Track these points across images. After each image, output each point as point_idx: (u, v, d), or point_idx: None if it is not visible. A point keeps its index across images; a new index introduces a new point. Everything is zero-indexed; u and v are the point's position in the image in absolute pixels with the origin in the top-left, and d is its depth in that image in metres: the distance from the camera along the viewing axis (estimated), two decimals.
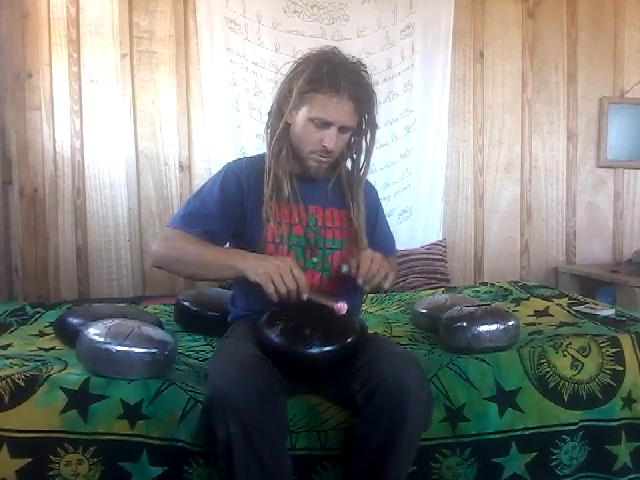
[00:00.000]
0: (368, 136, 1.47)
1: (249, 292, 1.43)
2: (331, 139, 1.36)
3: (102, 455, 1.20)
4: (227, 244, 1.50)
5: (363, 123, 1.45)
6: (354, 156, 1.50)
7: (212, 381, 1.15)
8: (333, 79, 1.32)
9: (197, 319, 1.81)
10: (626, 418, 1.42)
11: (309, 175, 1.44)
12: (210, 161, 2.73)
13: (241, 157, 1.55)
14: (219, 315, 1.68)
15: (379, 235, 1.59)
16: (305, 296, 1.27)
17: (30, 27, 2.59)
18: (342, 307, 1.28)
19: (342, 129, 1.38)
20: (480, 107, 2.98)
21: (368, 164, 1.50)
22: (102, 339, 1.24)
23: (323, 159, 1.41)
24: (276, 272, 1.24)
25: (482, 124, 2.99)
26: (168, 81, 2.71)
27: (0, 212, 2.58)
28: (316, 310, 1.29)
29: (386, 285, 1.35)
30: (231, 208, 1.43)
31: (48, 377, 1.24)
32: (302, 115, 1.37)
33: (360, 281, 1.32)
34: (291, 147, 1.42)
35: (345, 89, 1.32)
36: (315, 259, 1.44)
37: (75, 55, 2.62)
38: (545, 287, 2.32)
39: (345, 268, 1.36)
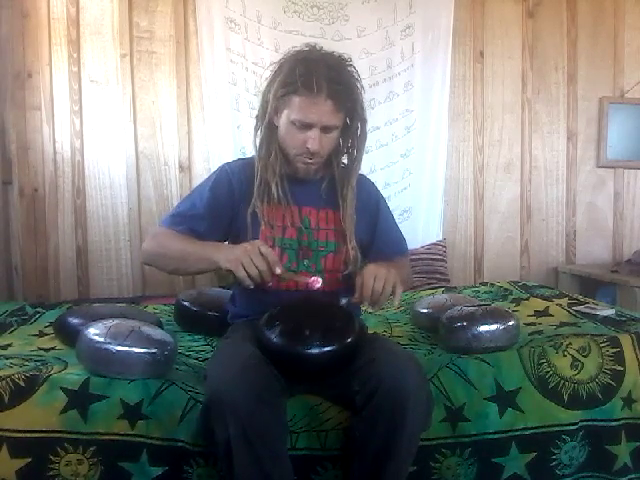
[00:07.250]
0: (358, 132, 1.43)
1: (249, 292, 1.42)
2: (314, 141, 1.34)
3: (102, 455, 1.20)
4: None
5: (350, 119, 1.41)
6: (346, 153, 1.47)
7: (211, 382, 1.15)
8: (307, 80, 1.29)
9: (197, 319, 1.81)
10: (626, 418, 1.42)
11: (300, 177, 1.43)
12: (210, 161, 2.73)
13: (239, 158, 1.53)
14: (219, 315, 1.68)
15: (384, 237, 1.54)
16: (278, 270, 1.24)
17: (30, 27, 2.59)
18: (315, 281, 1.27)
19: (325, 129, 1.35)
20: (480, 107, 2.98)
21: (359, 161, 1.46)
22: (102, 339, 1.24)
23: (310, 161, 1.39)
24: (245, 255, 1.23)
25: (482, 124, 2.99)
26: (168, 81, 2.71)
27: (0, 212, 2.58)
28: (316, 310, 1.29)
29: (395, 302, 1.31)
30: (220, 210, 1.44)
31: (48, 377, 1.24)
32: (284, 118, 1.36)
33: (366, 306, 1.31)
34: (280, 149, 1.40)
35: (321, 88, 1.29)
36: (306, 262, 1.43)
37: (75, 55, 2.62)
38: (545, 287, 2.32)
39: (344, 301, 1.34)
